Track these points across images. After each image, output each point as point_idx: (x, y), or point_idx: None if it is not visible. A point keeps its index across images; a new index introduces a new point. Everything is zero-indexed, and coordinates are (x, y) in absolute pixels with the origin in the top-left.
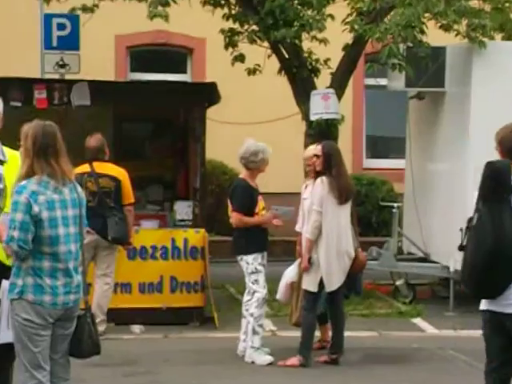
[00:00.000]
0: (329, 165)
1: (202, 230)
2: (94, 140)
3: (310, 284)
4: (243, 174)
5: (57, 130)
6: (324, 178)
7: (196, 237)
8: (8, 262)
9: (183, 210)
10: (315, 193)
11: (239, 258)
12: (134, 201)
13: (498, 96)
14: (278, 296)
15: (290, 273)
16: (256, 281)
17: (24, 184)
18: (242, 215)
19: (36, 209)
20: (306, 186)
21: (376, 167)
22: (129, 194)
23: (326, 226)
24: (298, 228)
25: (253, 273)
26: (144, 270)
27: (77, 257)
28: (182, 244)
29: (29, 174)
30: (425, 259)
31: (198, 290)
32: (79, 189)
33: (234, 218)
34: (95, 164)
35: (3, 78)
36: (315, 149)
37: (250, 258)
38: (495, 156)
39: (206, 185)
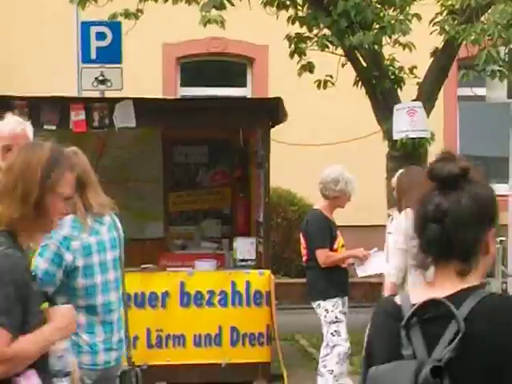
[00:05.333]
0: (401, 195)
1: (268, 272)
2: None
3: None
4: (319, 204)
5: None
6: (409, 210)
7: (260, 279)
8: None
9: (245, 247)
10: (399, 229)
11: (316, 304)
12: None
13: None
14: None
15: None
16: (337, 332)
17: None
18: (328, 251)
19: (69, 257)
20: (393, 218)
21: None
22: None
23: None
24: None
25: (333, 322)
26: (200, 320)
27: (119, 306)
28: (244, 288)
29: None
30: None
31: (264, 342)
32: (119, 224)
33: (321, 256)
34: None
35: (34, 98)
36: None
37: (329, 304)
38: None
39: (271, 218)
